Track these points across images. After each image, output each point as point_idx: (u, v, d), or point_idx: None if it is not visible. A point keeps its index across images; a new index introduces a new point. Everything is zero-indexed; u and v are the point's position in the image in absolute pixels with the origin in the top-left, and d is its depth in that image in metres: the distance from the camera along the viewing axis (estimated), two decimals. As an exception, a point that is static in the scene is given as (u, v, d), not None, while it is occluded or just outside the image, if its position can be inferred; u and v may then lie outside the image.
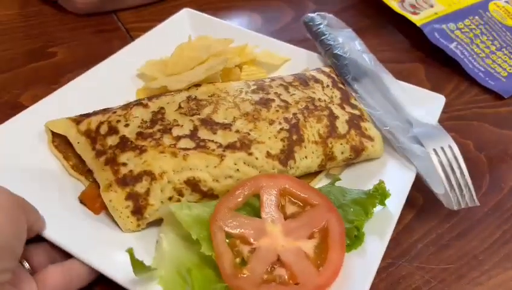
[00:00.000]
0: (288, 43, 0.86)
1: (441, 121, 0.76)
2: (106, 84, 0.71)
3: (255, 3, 1.04)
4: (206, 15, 0.87)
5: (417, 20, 0.92)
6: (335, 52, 0.76)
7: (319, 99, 0.67)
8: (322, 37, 0.80)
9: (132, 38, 0.92)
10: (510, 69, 0.89)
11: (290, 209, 0.54)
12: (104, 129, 0.58)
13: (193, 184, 0.54)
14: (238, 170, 0.56)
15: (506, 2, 1.00)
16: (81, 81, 0.71)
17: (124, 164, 0.54)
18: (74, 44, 0.91)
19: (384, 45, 0.95)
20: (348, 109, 0.68)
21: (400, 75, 0.87)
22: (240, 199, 0.52)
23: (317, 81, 0.71)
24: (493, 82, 0.86)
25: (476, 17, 0.96)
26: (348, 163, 0.66)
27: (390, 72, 0.80)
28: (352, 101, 0.70)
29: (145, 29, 0.85)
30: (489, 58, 0.90)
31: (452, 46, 0.89)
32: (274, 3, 1.05)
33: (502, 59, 0.90)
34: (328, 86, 0.71)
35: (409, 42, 0.96)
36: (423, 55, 0.92)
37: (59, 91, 0.69)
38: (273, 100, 0.64)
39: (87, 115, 0.62)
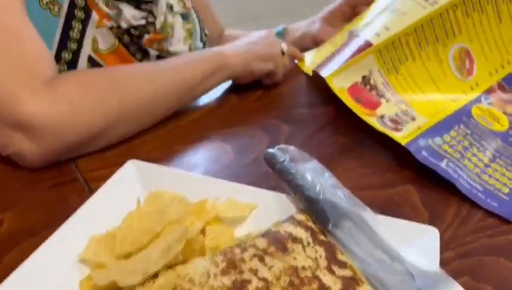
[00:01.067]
0: (265, 174, 0.78)
1: (448, 260, 0.67)
2: (44, 279, 0.59)
3: (226, 132, 0.97)
4: (154, 165, 0.77)
5: (401, 137, 0.85)
6: (307, 193, 0.68)
7: (303, 267, 0.57)
8: (289, 177, 0.72)
9: (91, 191, 0.82)
10: (510, 184, 0.81)
11: None
12: None
13: None
14: None
15: (490, 104, 0.95)
16: (12, 281, 0.57)
17: None
18: (25, 207, 0.79)
19: (368, 166, 0.87)
20: (338, 271, 0.58)
21: (391, 203, 0.79)
22: None
23: (295, 240, 0.61)
24: (496, 203, 0.78)
25: (462, 126, 0.91)
26: None
27: (380, 200, 0.72)
28: (339, 256, 0.61)
29: (106, 177, 0.76)
30: (485, 173, 0.83)
31: (443, 164, 0.82)
32: (246, 130, 0.98)
33: (499, 172, 0.83)
34: (309, 243, 0.61)
35: (396, 160, 0.88)
36: (413, 174, 0.85)
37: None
38: (250, 281, 0.53)
39: None
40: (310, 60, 1.14)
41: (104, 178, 0.76)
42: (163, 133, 0.96)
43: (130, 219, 0.64)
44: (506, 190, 0.80)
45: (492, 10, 0.94)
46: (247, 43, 1.04)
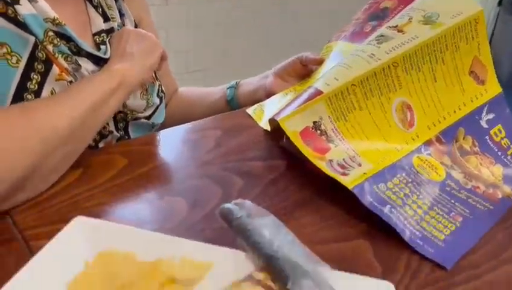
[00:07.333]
0: (220, 230, 0.76)
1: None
2: None
3: (176, 186, 0.95)
4: (103, 222, 0.73)
5: (348, 182, 0.86)
6: (265, 251, 0.68)
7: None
8: (246, 233, 0.71)
9: (31, 253, 0.75)
10: (447, 231, 0.86)
11: None
12: None
13: None
14: None
15: (429, 154, 1.00)
16: None
17: None
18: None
19: (322, 220, 0.88)
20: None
21: (346, 257, 0.80)
22: None
23: (256, 302, 0.60)
24: (432, 249, 0.82)
25: (404, 174, 0.95)
26: None
27: (335, 254, 0.72)
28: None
29: (48, 236, 0.70)
30: (424, 220, 0.87)
31: (386, 209, 0.85)
32: (198, 183, 0.97)
33: (435, 220, 0.87)
34: (269, 304, 0.60)
35: (349, 214, 0.89)
36: (367, 227, 0.86)
37: None
38: None
39: None
40: (267, 116, 1.16)
41: (45, 236, 0.70)
42: (110, 187, 0.92)
43: (77, 284, 0.60)
44: (442, 237, 0.84)
45: (428, 70, 1.02)
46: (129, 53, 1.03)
